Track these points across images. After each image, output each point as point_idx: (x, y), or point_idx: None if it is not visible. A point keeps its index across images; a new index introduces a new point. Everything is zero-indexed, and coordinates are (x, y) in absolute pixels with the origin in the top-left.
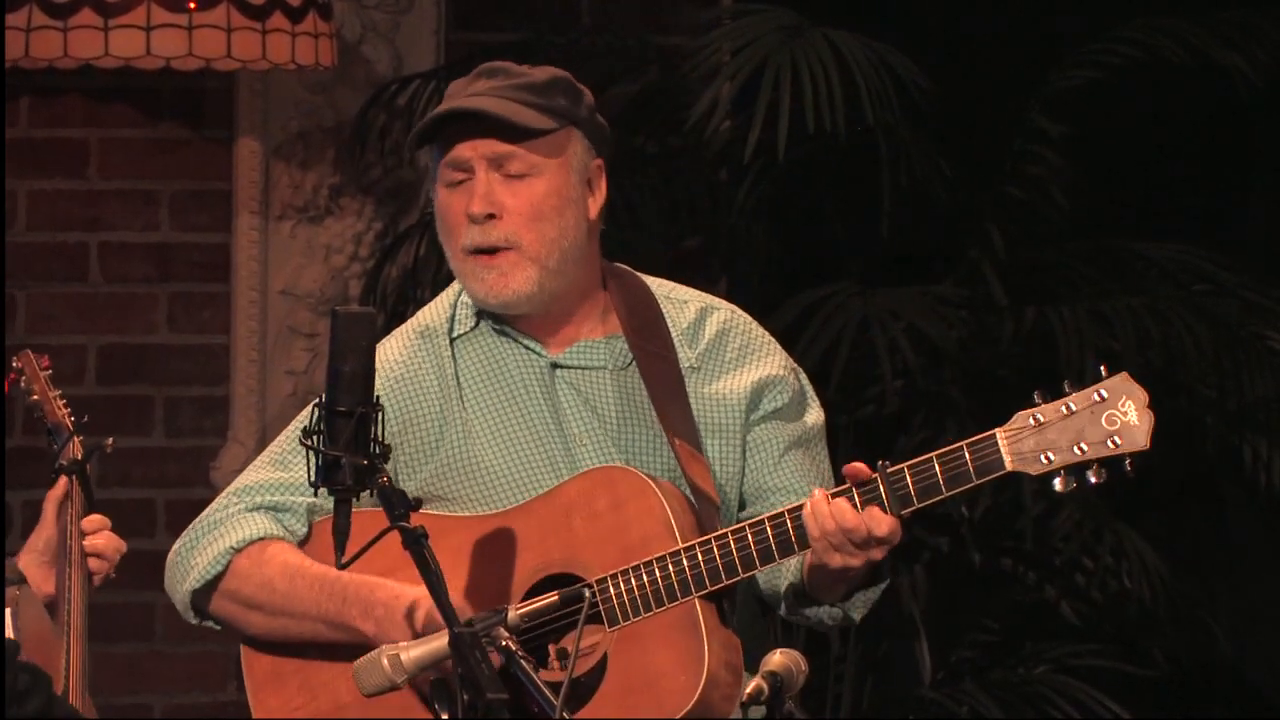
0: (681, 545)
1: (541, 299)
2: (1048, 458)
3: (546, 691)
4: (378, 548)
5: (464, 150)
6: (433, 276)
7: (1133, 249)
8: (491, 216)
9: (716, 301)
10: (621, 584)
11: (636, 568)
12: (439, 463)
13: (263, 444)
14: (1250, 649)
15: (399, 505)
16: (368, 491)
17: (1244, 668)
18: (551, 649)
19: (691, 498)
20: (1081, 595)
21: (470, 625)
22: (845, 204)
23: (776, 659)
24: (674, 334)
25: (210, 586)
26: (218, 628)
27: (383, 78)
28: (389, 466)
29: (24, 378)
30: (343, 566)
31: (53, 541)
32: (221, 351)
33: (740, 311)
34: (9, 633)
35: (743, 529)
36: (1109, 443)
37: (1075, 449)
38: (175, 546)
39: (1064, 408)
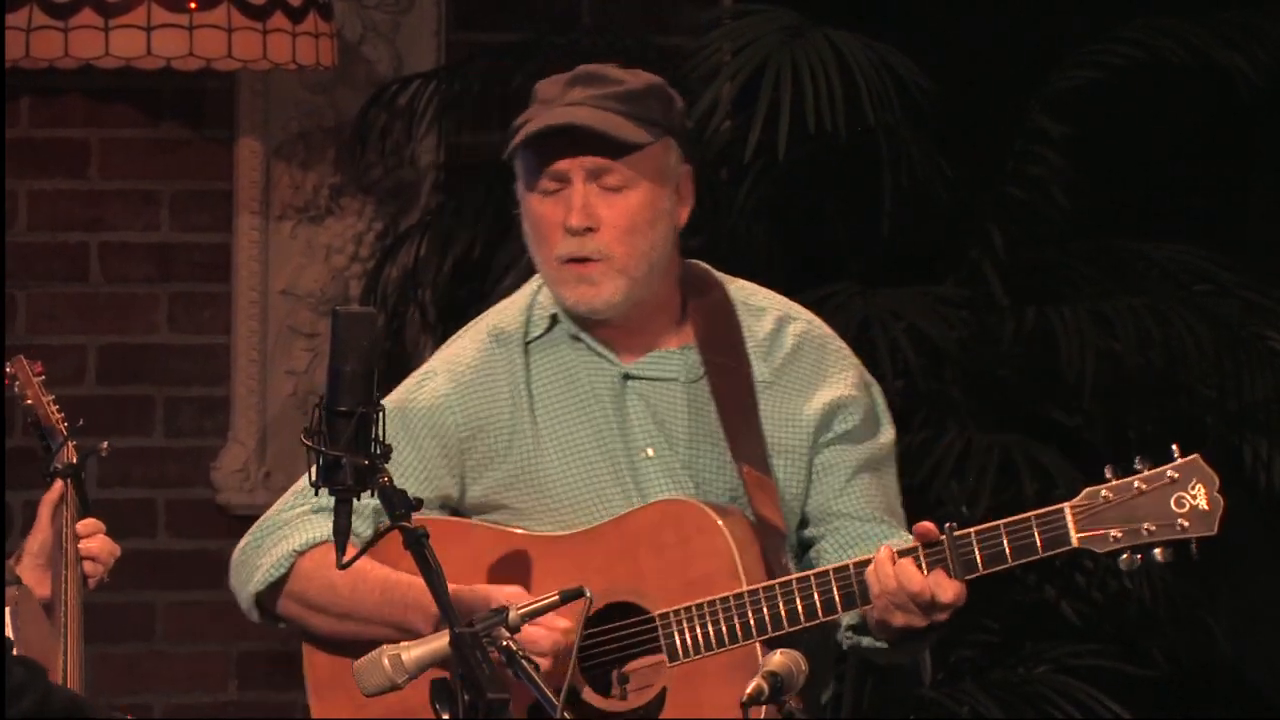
0: (746, 588)
1: (625, 308)
2: (1115, 537)
3: (548, 692)
4: (451, 552)
5: (563, 164)
6: (433, 277)
7: (1134, 249)
8: (589, 229)
9: (794, 309)
10: (684, 620)
11: (700, 606)
12: (505, 471)
13: (263, 444)
14: (1250, 649)
15: (399, 505)
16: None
17: (1244, 668)
18: (615, 675)
19: (757, 525)
20: (1082, 595)
21: (471, 625)
22: (846, 204)
23: (776, 659)
24: (749, 344)
25: (275, 588)
26: (283, 626)
27: (383, 78)
28: (451, 475)
29: (17, 383)
30: (343, 567)
31: (48, 545)
32: (222, 351)
33: (817, 321)
34: (9, 632)
35: (808, 579)
36: (1176, 525)
37: (1143, 530)
38: (240, 545)
39: (1134, 487)
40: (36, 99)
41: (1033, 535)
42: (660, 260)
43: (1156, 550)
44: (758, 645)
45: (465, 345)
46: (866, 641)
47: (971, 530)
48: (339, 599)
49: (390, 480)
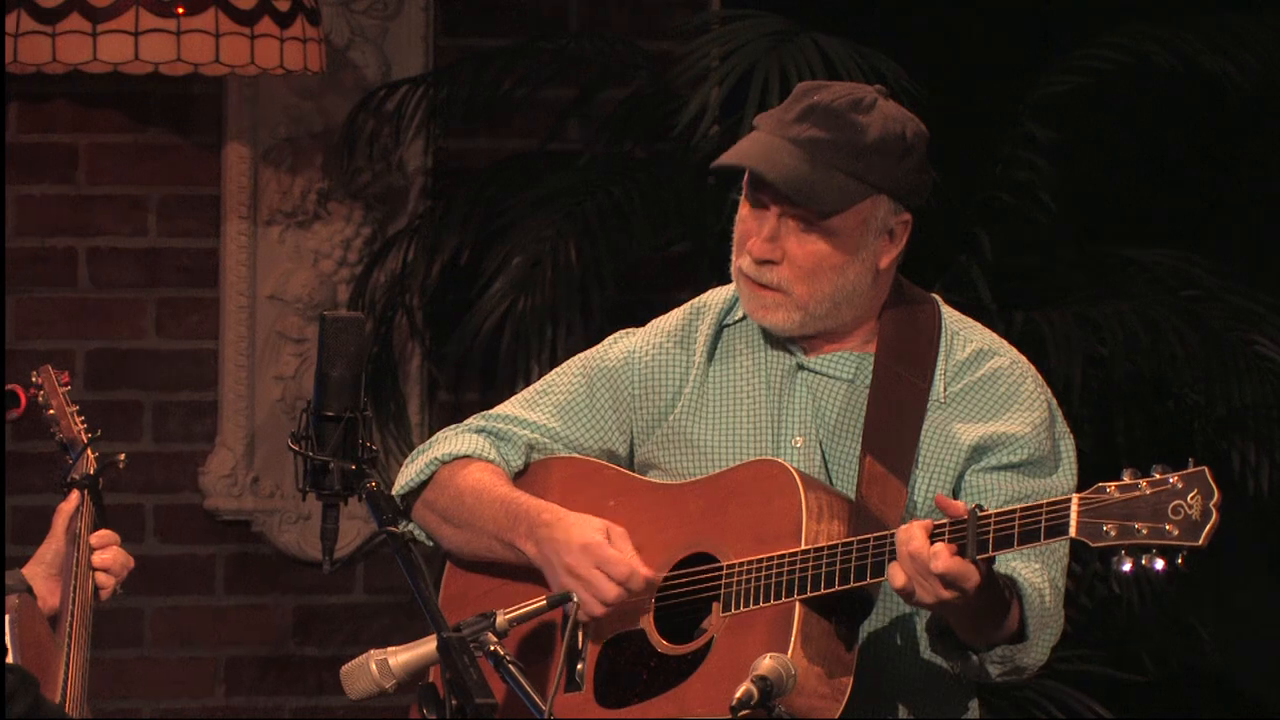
0: (801, 548)
1: (806, 333)
2: (1109, 531)
3: (535, 696)
4: (567, 486)
5: (763, 196)
6: (421, 282)
7: (1121, 254)
8: (771, 262)
9: (1002, 347)
10: (743, 573)
11: (760, 560)
12: (662, 432)
13: (251, 449)
14: (1238, 654)
15: (387, 510)
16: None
17: (1231, 673)
18: (701, 619)
19: (853, 509)
20: (1070, 600)
21: (459, 630)
22: None
23: (766, 663)
24: (940, 365)
25: (415, 494)
26: (423, 537)
27: (371, 83)
28: (617, 434)
29: (42, 392)
30: (331, 570)
31: (61, 554)
32: (210, 357)
33: (1025, 363)
34: (7, 639)
35: (850, 544)
36: (1165, 529)
37: (1135, 529)
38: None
39: (1139, 487)
40: (25, 104)
41: (1039, 522)
42: (847, 300)
43: (1156, 560)
44: (797, 604)
45: (673, 314)
46: (949, 656)
47: (992, 513)
48: (463, 509)
49: (378, 485)
